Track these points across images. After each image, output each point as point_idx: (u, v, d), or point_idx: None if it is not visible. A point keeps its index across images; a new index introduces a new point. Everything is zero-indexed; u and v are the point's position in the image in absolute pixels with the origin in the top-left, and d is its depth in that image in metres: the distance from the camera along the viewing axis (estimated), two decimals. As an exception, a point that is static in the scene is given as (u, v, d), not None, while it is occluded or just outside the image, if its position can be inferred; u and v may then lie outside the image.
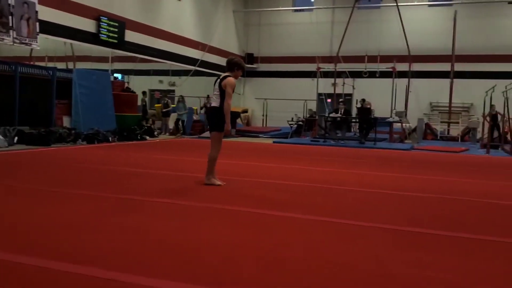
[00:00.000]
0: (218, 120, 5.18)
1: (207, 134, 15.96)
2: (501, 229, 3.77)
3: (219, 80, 5.22)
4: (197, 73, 19.31)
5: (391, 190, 5.53)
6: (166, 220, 3.63)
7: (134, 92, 15.47)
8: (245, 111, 22.43)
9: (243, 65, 5.43)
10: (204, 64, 19.39)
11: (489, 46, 19.39)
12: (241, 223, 3.62)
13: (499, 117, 15.13)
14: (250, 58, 22.84)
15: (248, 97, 23.36)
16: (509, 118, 14.26)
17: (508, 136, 14.47)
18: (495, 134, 15.41)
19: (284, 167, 7.73)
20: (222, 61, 20.83)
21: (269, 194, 5.01)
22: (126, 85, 15.96)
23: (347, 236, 3.37)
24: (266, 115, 21.29)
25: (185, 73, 19.18)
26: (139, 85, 18.33)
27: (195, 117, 18.00)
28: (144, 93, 17.52)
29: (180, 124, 16.72)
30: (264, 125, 20.97)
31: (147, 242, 2.98)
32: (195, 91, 19.72)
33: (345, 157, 9.88)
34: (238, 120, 19.90)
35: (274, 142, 14.39)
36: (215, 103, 5.21)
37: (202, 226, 3.48)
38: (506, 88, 14.05)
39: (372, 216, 4.06)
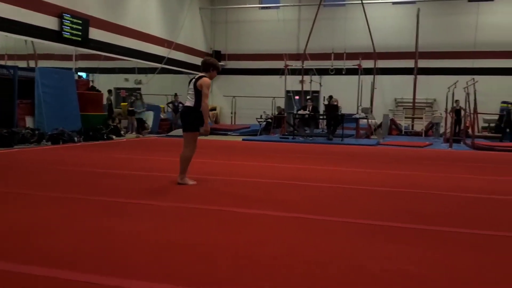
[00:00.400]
0: (192, 119, 5.14)
1: (175, 132, 15.85)
2: (466, 221, 3.89)
3: (194, 80, 5.17)
4: (163, 71, 19.12)
5: (361, 185, 5.63)
6: (140, 221, 3.58)
7: (99, 91, 15.18)
8: (214, 108, 22.37)
9: (218, 66, 5.37)
10: (171, 61, 19.20)
11: (451, 43, 19.96)
12: (215, 222, 3.61)
13: (462, 112, 15.62)
14: (218, 55, 22.76)
15: (216, 95, 23.29)
16: (470, 113, 14.73)
17: (470, 131, 14.93)
18: (457, 128, 15.90)
19: (255, 164, 7.75)
20: (189, 58, 20.78)
21: (242, 192, 5.02)
22: (90, 83, 15.65)
23: (320, 232, 3.41)
24: (235, 113, 21.28)
25: (152, 71, 18.94)
26: (104, 83, 18.00)
27: (162, 116, 17.82)
28: (109, 91, 17.22)
29: (146, 123, 16.40)
30: (233, 123, 20.96)
31: (122, 244, 2.94)
32: (162, 89, 19.52)
33: (314, 154, 9.98)
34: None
35: (243, 139, 14.40)
36: (189, 102, 5.16)
37: (177, 226, 3.46)
38: (467, 84, 14.50)
39: (343, 211, 4.12)
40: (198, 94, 5.08)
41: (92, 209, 3.96)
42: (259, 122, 17.50)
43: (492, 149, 12.36)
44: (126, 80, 22.21)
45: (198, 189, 5.11)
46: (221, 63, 22.85)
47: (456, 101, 15.37)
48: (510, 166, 8.49)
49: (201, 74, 5.21)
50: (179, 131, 15.97)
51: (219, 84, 23.26)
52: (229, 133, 17.03)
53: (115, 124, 14.76)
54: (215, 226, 3.48)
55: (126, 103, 16.81)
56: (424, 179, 6.45)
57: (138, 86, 20.52)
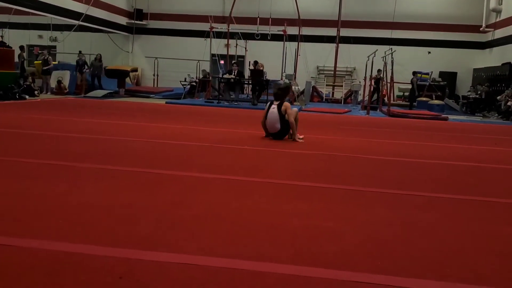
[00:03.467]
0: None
1: (93, 93, 15.11)
2: (379, 181, 4.12)
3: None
4: (82, 29, 18.02)
5: (279, 148, 5.75)
6: (56, 182, 3.41)
7: (10, 47, 14.05)
8: (135, 70, 21.55)
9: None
10: (90, 19, 18.11)
11: (372, 13, 20.61)
12: (134, 184, 3.53)
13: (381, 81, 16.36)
14: (139, 14, 21.85)
15: (138, 56, 22.46)
16: (387, 82, 15.44)
17: (386, 99, 15.70)
18: (375, 96, 16.66)
19: (179, 127, 7.63)
20: (109, 16, 19.74)
21: (164, 154, 4.95)
22: (0, 39, 14.43)
23: (241, 192, 3.45)
24: (157, 75, 20.68)
25: (68, 28, 17.79)
26: (16, 39, 16.74)
27: (80, 76, 16.90)
28: (22, 48, 16.01)
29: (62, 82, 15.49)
30: (155, 85, 20.39)
31: (37, 206, 2.79)
32: (81, 48, 18.47)
33: (240, 118, 10.02)
34: (127, 80, 19.10)
35: (167, 102, 14.10)
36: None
37: (94, 188, 3.33)
38: (385, 53, 15.13)
39: (265, 173, 4.20)
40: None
41: (0, 171, 3.71)
42: (183, 85, 17.19)
43: (406, 116, 13.11)
44: (40, 37, 20.78)
45: (115, 150, 4.95)
46: (143, 22, 21.99)
47: (379, 70, 16.02)
48: (421, 131, 9.07)
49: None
50: (97, 92, 15.26)
51: (141, 44, 22.43)
52: (151, 95, 16.58)
53: (28, 83, 13.80)
54: (134, 188, 3.39)
55: (40, 61, 15.75)
56: (341, 142, 6.72)
57: (54, 43, 19.28)
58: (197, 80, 16.91)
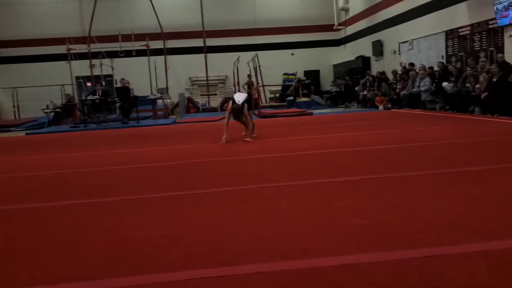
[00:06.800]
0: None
1: None
2: (232, 180, 4.24)
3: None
4: None
5: (144, 163, 5.66)
6: None
7: None
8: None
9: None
10: None
11: (233, 21, 21.18)
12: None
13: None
14: (-12, 43, 20.08)
15: (-8, 88, 20.60)
16: (258, 85, 15.98)
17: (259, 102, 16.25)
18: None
19: (38, 158, 7.12)
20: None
21: (12, 188, 4.60)
22: None
23: (80, 213, 3.32)
24: (18, 106, 19.15)
25: None
26: None
27: None
28: None
29: None
30: (17, 117, 18.86)
31: None
32: None
33: (106, 139, 9.66)
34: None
35: (26, 133, 13.10)
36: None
37: None
38: (252, 58, 15.66)
39: (111, 191, 4.09)
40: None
41: None
42: (46, 113, 16.11)
43: (275, 116, 13.70)
44: None
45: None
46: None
47: (249, 75, 16.51)
48: (286, 128, 9.52)
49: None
50: None
51: (-5, 75, 20.62)
52: (12, 129, 15.27)
53: None
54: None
55: None
56: (210, 149, 6.81)
57: None
58: (61, 106, 15.95)
